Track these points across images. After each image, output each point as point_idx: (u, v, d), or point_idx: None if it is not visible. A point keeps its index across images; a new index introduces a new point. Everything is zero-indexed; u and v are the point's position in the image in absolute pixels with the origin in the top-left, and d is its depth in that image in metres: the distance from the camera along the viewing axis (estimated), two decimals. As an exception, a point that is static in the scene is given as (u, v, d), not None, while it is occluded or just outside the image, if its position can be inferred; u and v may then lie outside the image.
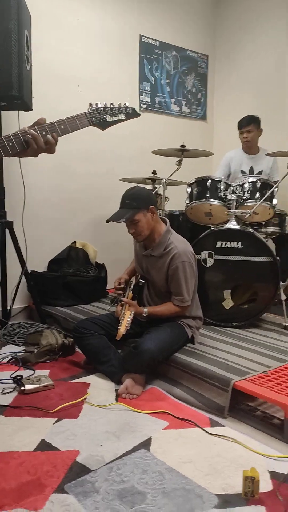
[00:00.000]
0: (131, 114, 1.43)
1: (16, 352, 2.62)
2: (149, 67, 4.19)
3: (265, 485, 1.46)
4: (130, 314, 2.14)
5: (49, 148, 1.30)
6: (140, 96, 4.14)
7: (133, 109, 1.43)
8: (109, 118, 1.39)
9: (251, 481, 1.39)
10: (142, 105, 4.16)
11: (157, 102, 4.28)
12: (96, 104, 1.39)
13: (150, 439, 1.74)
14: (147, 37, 4.10)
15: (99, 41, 3.71)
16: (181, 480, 1.49)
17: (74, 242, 3.63)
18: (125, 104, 1.42)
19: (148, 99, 4.20)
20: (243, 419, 1.92)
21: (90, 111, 1.37)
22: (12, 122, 2.97)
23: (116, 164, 3.87)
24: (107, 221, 2.24)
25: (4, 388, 2.13)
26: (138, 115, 1.45)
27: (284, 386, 1.90)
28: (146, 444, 1.70)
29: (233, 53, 4.56)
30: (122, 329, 2.09)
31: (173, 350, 2.24)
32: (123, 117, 1.42)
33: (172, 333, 2.23)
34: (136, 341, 2.19)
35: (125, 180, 3.42)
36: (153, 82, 4.23)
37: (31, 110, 2.79)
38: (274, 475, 1.52)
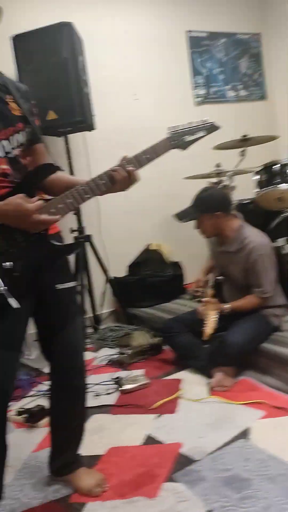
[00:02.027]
0: (211, 128, 1.41)
1: (111, 355, 2.81)
2: (200, 59, 4.19)
3: None
4: (215, 314, 2.21)
5: (132, 179, 1.35)
6: (194, 90, 4.16)
7: (212, 123, 1.41)
8: (188, 138, 1.39)
9: None
10: (197, 99, 4.18)
11: (212, 92, 4.27)
12: (176, 127, 1.39)
13: (248, 429, 1.81)
14: (195, 31, 4.11)
15: (147, 46, 3.80)
16: (285, 467, 1.55)
17: (149, 245, 3.78)
18: (204, 120, 1.41)
19: (203, 92, 4.21)
20: None
21: (170, 135, 1.38)
22: (79, 142, 3.17)
23: (179, 164, 3.93)
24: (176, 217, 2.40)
25: (107, 389, 2.32)
26: (217, 128, 1.42)
27: None
28: (245, 434, 1.78)
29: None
30: (209, 330, 2.17)
31: (259, 340, 2.27)
32: (203, 133, 1.40)
33: (258, 324, 2.28)
34: (222, 335, 2.27)
35: (189, 178, 3.49)
36: (206, 74, 4.23)
37: (94, 129, 2.97)
38: None
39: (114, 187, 1.36)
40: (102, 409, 2.14)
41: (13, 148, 1.34)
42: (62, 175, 1.48)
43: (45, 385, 2.37)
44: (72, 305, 1.52)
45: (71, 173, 3.05)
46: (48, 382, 1.56)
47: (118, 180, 1.34)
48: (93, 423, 1.97)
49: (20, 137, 1.37)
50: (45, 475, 1.64)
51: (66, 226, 3.06)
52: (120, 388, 2.30)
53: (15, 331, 1.34)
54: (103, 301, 3.40)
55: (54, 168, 1.42)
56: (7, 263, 1.24)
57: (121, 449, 1.79)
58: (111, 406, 2.16)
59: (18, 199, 1.24)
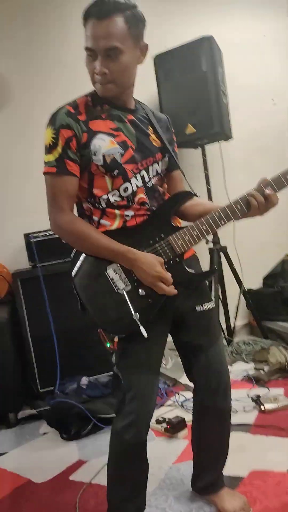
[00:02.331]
0: None
1: (247, 370, 2.72)
2: None
3: None
4: None
5: (270, 203, 1.30)
6: None
7: None
8: None
9: None
10: None
11: None
12: None
13: None
14: None
15: (286, 49, 3.63)
16: None
17: (287, 255, 3.59)
18: None
19: None
20: None
21: None
22: (215, 153, 3.16)
23: None
24: None
25: (244, 407, 2.25)
26: None
27: None
28: None
29: None
30: None
31: None
32: None
33: None
34: None
35: None
36: None
37: (231, 138, 2.93)
38: None
39: (250, 212, 1.32)
40: (241, 427, 2.06)
41: (150, 178, 1.37)
42: (198, 201, 1.47)
43: (181, 395, 2.40)
44: (213, 327, 1.49)
45: (207, 183, 3.04)
46: (192, 399, 1.57)
47: (254, 205, 1.30)
48: (232, 442, 1.88)
49: (157, 167, 1.40)
50: (187, 489, 1.64)
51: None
52: (260, 407, 2.20)
53: (152, 355, 1.36)
54: (236, 313, 3.31)
55: (189, 195, 1.43)
56: (141, 291, 1.28)
57: (264, 473, 1.70)
58: (251, 425, 2.08)
59: (156, 260, 1.27)
